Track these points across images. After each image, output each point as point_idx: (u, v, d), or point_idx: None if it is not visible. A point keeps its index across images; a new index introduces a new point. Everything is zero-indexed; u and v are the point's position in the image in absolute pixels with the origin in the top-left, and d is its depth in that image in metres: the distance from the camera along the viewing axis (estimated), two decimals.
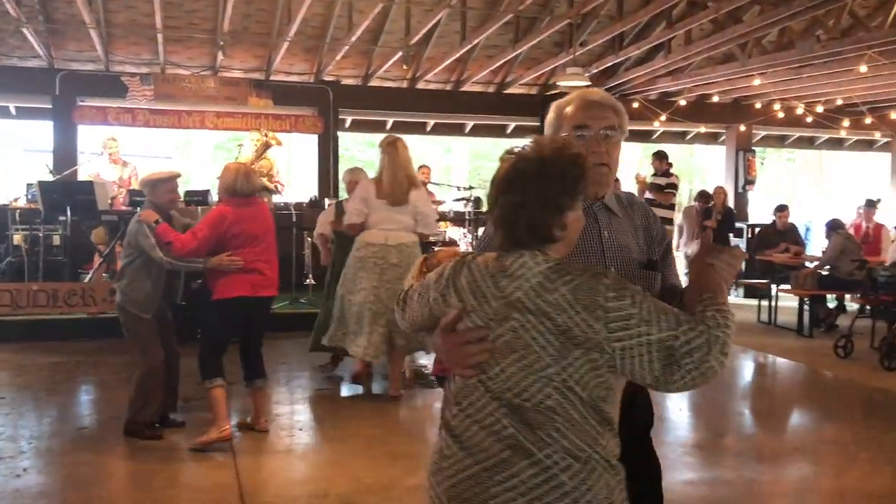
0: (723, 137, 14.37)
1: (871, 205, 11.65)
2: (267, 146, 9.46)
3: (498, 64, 11.13)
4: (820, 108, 12.80)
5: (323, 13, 9.89)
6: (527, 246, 1.79)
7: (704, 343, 1.67)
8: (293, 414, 5.85)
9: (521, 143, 1.92)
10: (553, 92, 11.19)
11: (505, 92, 12.37)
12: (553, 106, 2.26)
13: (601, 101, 2.21)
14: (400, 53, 9.90)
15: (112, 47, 10.45)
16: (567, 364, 1.71)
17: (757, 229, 13.03)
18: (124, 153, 10.08)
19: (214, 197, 9.10)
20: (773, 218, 11.09)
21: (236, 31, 9.86)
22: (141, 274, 4.97)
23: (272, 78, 11.16)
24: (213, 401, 4.83)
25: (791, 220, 11.20)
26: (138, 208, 6.52)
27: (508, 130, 13.87)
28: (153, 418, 5.06)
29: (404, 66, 10.40)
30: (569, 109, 2.20)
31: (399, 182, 5.86)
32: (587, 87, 10.53)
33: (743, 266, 2.10)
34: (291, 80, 11.35)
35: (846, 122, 13.25)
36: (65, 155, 10.43)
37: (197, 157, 23.00)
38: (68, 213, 8.41)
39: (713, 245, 2.02)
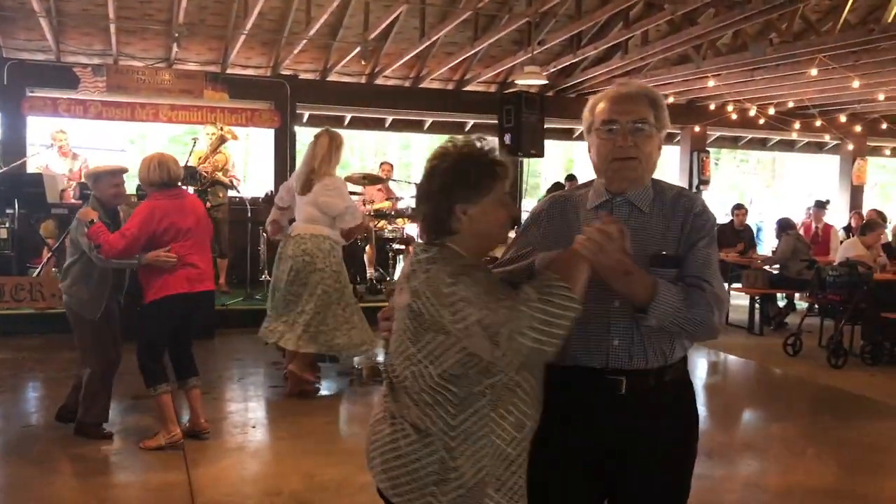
0: (678, 138, 14.56)
1: (820, 206, 11.91)
2: (222, 140, 9.32)
3: (457, 61, 11.13)
4: (772, 111, 13.05)
5: (281, 6, 9.79)
6: (434, 237, 2.00)
7: (508, 319, 1.78)
8: (246, 411, 5.78)
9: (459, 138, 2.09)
10: (511, 90, 11.23)
11: (464, 89, 12.37)
12: (588, 104, 2.22)
13: (633, 94, 2.17)
14: (358, 49, 9.84)
15: (63, 37, 10.22)
16: (422, 346, 1.92)
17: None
18: (75, 145, 9.87)
19: None
20: (731, 217, 11.26)
21: (192, 23, 9.70)
22: (84, 273, 4.78)
23: (228, 71, 11.01)
24: (160, 407, 4.72)
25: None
26: (85, 203, 6.40)
27: (467, 128, 13.87)
28: (100, 419, 4.94)
29: (363, 62, 10.35)
30: (600, 106, 2.17)
31: (300, 174, 5.92)
32: (545, 85, 10.63)
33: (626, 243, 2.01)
34: (248, 74, 11.21)
35: (797, 125, 13.53)
36: (13, 147, 10.16)
37: (151, 150, 22.58)
38: (16, 205, 8.21)
39: (594, 225, 1.96)
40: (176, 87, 10.76)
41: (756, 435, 5.72)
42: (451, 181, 1.96)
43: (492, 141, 2.08)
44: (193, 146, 9.33)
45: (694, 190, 13.85)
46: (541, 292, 1.81)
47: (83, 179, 8.87)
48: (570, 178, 12.79)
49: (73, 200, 8.58)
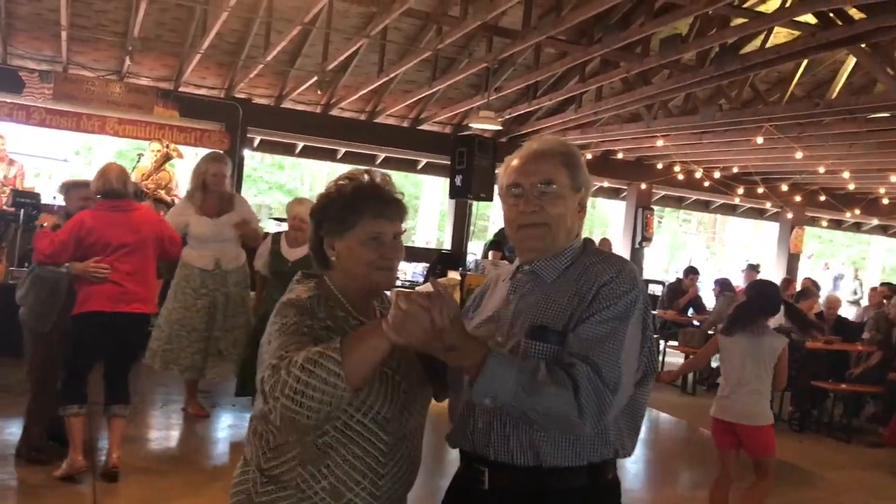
0: (624, 193, 14.79)
1: (752, 268, 12.18)
2: (167, 158, 9.15)
3: (414, 99, 11.15)
4: (717, 174, 13.36)
5: (240, 29, 9.69)
6: (320, 267, 2.01)
7: (267, 380, 1.69)
8: (166, 440, 5.57)
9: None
10: (465, 133, 11.28)
11: (419, 128, 12.39)
12: (504, 162, 2.06)
13: (543, 151, 1.98)
14: (315, 78, 9.78)
15: (12, 40, 9.94)
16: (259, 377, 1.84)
17: (651, 285, 13.42)
18: (13, 151, 9.56)
19: None
20: (681, 278, 11.41)
21: (147, 37, 9.53)
22: (36, 283, 4.59)
23: (181, 89, 10.83)
24: (69, 430, 4.45)
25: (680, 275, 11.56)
26: (22, 210, 6.16)
27: (419, 166, 13.89)
28: (39, 441, 4.68)
29: (319, 91, 10.28)
30: (511, 165, 2.01)
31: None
32: (499, 131, 10.71)
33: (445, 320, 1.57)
34: (201, 94, 11.05)
35: (740, 190, 13.87)
36: None
37: (97, 163, 22.10)
38: None
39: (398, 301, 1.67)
40: (126, 100, 10.54)
41: (683, 495, 5.71)
42: (320, 214, 1.96)
43: (379, 175, 1.97)
44: (137, 162, 9.14)
45: (636, 246, 14.08)
46: (307, 359, 1.64)
47: (21, 186, 8.59)
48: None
49: (4, 208, 8.27)
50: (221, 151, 6.73)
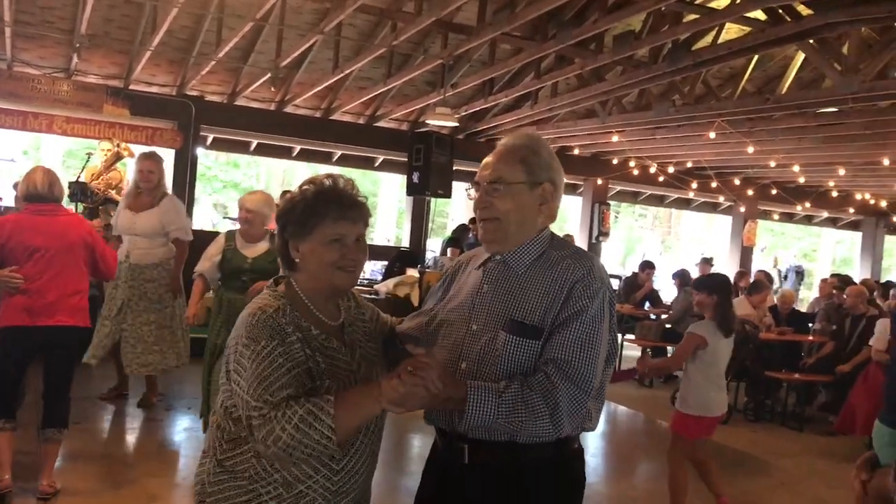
0: (581, 189, 14.89)
1: (706, 262, 12.36)
2: (118, 157, 8.96)
3: (369, 96, 11.09)
4: (671, 169, 13.51)
5: (191, 26, 9.53)
6: (286, 269, 2.08)
7: (258, 427, 1.79)
8: (122, 442, 5.45)
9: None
10: (422, 129, 11.25)
11: (375, 125, 12.33)
12: None
13: (505, 149, 2.14)
14: (269, 75, 9.67)
15: None
16: (223, 376, 1.97)
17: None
18: None
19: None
20: (637, 272, 11.51)
21: (95, 34, 9.33)
22: None
23: (131, 87, 10.62)
24: None
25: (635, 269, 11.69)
26: None
27: (377, 163, 13.82)
28: None
29: (272, 89, 10.17)
30: (484, 161, 2.17)
31: None
32: (456, 127, 10.71)
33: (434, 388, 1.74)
34: (152, 91, 10.84)
35: (694, 184, 14.06)
36: None
37: (46, 163, 21.61)
38: None
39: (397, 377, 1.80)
40: (74, 98, 10.29)
41: (641, 489, 5.76)
42: (284, 217, 2.03)
43: (342, 180, 2.05)
44: (87, 161, 8.94)
45: (593, 241, 14.19)
46: (302, 419, 1.76)
47: None
48: (474, 220, 12.87)
49: None
50: (154, 149, 6.74)
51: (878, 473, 1.70)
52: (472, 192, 2.15)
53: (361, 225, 2.03)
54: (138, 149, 10.27)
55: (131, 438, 5.83)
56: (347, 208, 2.00)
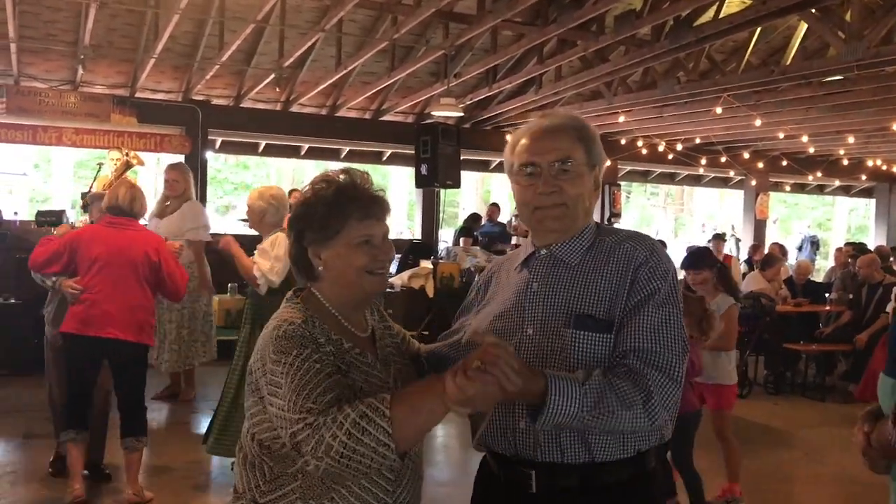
0: None
1: (718, 238, 12.32)
2: (128, 166, 8.96)
3: (374, 91, 11.11)
4: (680, 146, 13.47)
5: (193, 31, 9.58)
6: (305, 281, 1.86)
7: (306, 439, 1.56)
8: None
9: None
10: (428, 121, 11.26)
11: (381, 119, 12.35)
12: (509, 142, 1.93)
13: (556, 127, 1.87)
14: (273, 76, 9.71)
15: None
16: (249, 404, 1.75)
17: None
18: None
19: (72, 218, 8.58)
20: None
21: (99, 44, 9.39)
22: (65, 302, 4.43)
23: (137, 95, 10.70)
24: (67, 456, 4.32)
25: None
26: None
27: (384, 157, 13.85)
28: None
29: (277, 89, 10.21)
30: (520, 144, 1.87)
31: None
32: (461, 117, 10.70)
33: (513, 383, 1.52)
34: (158, 98, 10.92)
35: (704, 160, 14.00)
36: None
37: (58, 175, 21.80)
38: None
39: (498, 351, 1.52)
40: (81, 110, 10.38)
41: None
42: (301, 224, 1.81)
43: (358, 175, 1.83)
44: (98, 172, 8.98)
45: (605, 222, 14.17)
46: (355, 423, 1.52)
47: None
48: (494, 206, 12.89)
49: None
50: (181, 159, 7.00)
51: (881, 423, 1.71)
52: (521, 177, 1.86)
53: (385, 221, 1.83)
54: (147, 157, 10.37)
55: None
56: (370, 204, 1.80)
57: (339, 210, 1.76)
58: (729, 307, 4.82)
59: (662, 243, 11.56)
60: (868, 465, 1.77)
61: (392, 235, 1.93)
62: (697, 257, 5.10)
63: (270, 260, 4.62)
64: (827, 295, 9.60)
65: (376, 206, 1.81)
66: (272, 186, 5.27)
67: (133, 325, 4.26)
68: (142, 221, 6.04)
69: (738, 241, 12.38)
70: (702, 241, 16.66)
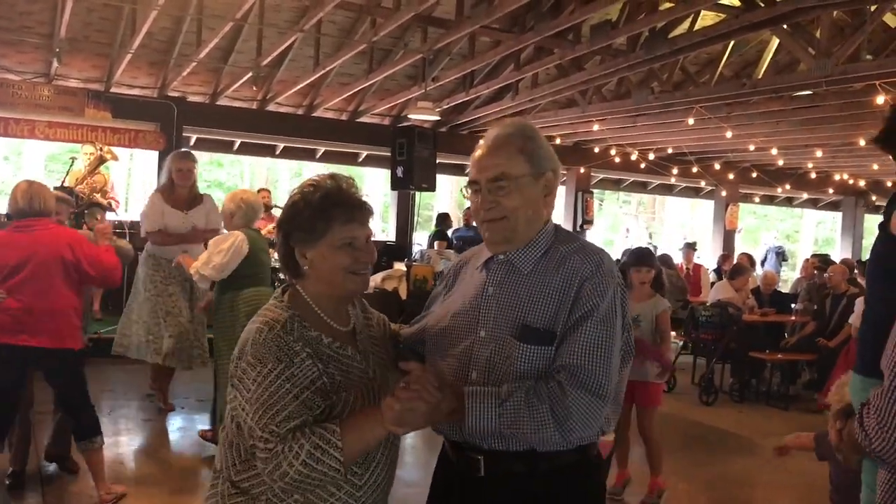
0: (564, 178, 14.97)
1: (689, 247, 12.48)
2: (101, 161, 8.94)
3: (351, 92, 11.13)
4: (652, 156, 13.64)
5: (170, 27, 9.54)
6: (291, 278, 1.98)
7: (265, 460, 1.72)
8: (116, 446, 5.51)
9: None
10: (405, 124, 11.31)
11: (357, 120, 12.36)
12: None
13: (497, 141, 1.95)
14: (250, 74, 9.70)
15: None
16: (230, 390, 1.87)
17: None
18: None
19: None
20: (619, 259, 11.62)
21: (75, 38, 9.32)
22: None
23: (112, 90, 10.62)
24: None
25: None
26: None
27: (360, 158, 13.86)
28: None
29: (254, 87, 10.19)
30: (473, 158, 1.98)
31: None
32: (438, 121, 10.74)
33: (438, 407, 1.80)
34: (133, 94, 10.85)
35: (675, 170, 14.18)
36: None
37: (28, 168, 21.51)
38: None
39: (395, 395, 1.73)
40: (55, 103, 10.29)
41: (630, 471, 5.85)
42: (288, 224, 1.93)
43: (344, 180, 1.94)
44: (71, 166, 8.93)
45: (577, 229, 14.30)
46: (310, 454, 1.69)
47: None
48: (469, 210, 12.86)
49: None
50: (155, 155, 6.76)
51: (851, 421, 1.80)
52: (468, 192, 1.99)
53: (367, 225, 1.95)
54: (121, 152, 10.30)
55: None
56: (356, 210, 1.91)
57: (325, 213, 1.87)
58: (664, 309, 5.02)
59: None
60: (842, 459, 1.86)
61: None
62: (647, 255, 5.27)
63: (210, 254, 4.85)
64: (793, 305, 9.77)
65: (360, 210, 1.92)
66: (246, 190, 5.48)
67: (50, 331, 4.08)
68: (175, 214, 5.99)
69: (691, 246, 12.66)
70: (672, 248, 16.86)
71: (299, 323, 1.85)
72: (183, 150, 6.58)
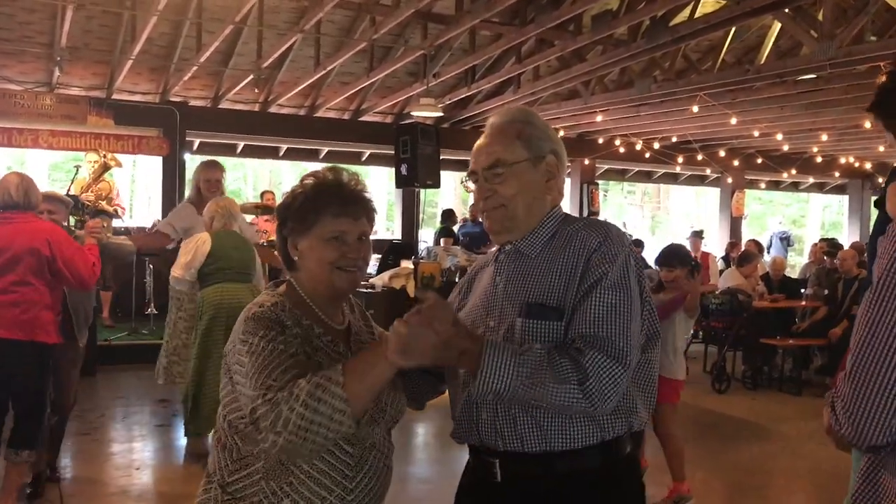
0: (568, 170, 14.91)
1: (697, 235, 12.44)
2: (105, 168, 8.97)
3: (353, 91, 11.12)
4: (657, 145, 13.59)
5: (170, 32, 9.54)
6: (287, 269, 1.93)
7: (265, 414, 1.61)
8: (130, 452, 5.52)
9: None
10: (407, 121, 11.29)
11: (360, 119, 12.35)
12: None
13: (494, 130, 1.92)
14: (251, 76, 9.70)
15: None
16: (223, 384, 1.82)
17: None
18: None
19: None
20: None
21: (75, 46, 9.33)
22: None
23: (114, 97, 10.63)
24: None
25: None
26: None
27: (364, 157, 13.85)
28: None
29: (255, 90, 10.19)
30: (475, 147, 1.95)
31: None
32: (440, 117, 10.73)
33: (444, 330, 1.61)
34: (135, 100, 10.85)
35: (680, 159, 14.13)
36: None
37: (33, 178, 21.52)
38: None
39: (420, 307, 1.60)
40: (58, 112, 10.30)
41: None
42: (283, 213, 1.90)
43: (344, 174, 1.90)
44: (75, 174, 8.96)
45: None
46: (311, 394, 1.59)
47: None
48: (450, 212, 12.76)
49: None
50: (159, 161, 6.63)
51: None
52: (470, 183, 1.94)
53: (365, 222, 1.87)
54: (125, 158, 10.31)
55: None
56: (349, 203, 1.85)
57: (316, 204, 1.83)
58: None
59: (638, 243, 11.60)
60: (835, 444, 1.84)
61: (371, 236, 1.97)
62: (669, 255, 5.10)
63: (178, 256, 5.14)
64: (802, 290, 9.73)
65: (354, 205, 1.86)
66: (226, 197, 5.58)
67: (20, 323, 3.94)
68: (106, 226, 5.77)
69: (699, 234, 12.55)
70: (680, 238, 16.80)
71: (291, 308, 1.81)
72: (210, 159, 6.26)
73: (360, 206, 1.87)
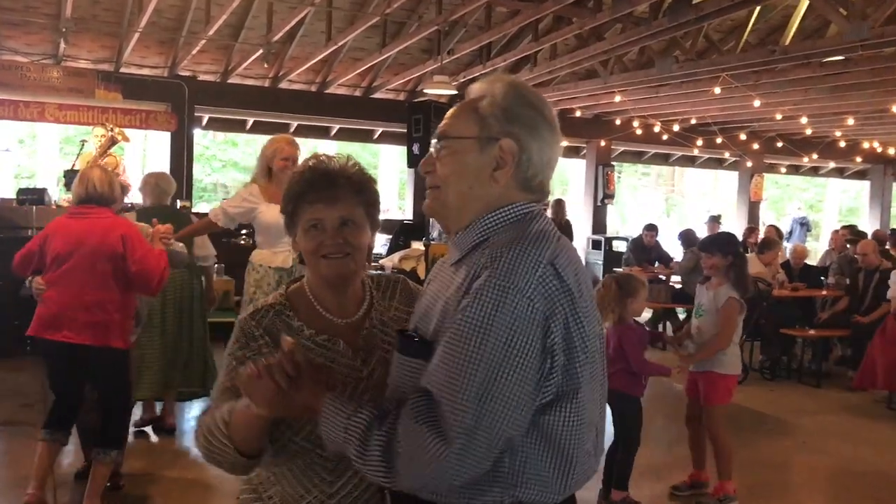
0: (584, 151, 14.69)
1: (714, 220, 12.19)
2: (113, 142, 8.75)
3: (365, 67, 10.90)
4: (676, 127, 13.31)
5: (179, 4, 9.33)
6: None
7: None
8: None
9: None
10: (420, 99, 11.05)
11: (372, 96, 12.13)
12: None
13: (461, 102, 1.65)
14: (261, 51, 9.48)
15: None
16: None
17: (614, 242, 13.45)
18: None
19: (54, 196, 8.37)
20: (641, 234, 11.35)
21: (82, 18, 9.14)
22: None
23: (122, 70, 10.44)
24: (36, 455, 3.96)
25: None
26: None
27: (375, 135, 13.65)
28: None
29: (266, 65, 9.98)
30: None
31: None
32: (454, 95, 10.50)
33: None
34: (143, 74, 10.66)
35: (699, 141, 13.86)
36: None
37: (43, 151, 21.44)
38: None
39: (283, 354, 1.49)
40: (65, 85, 10.12)
41: (661, 456, 5.66)
42: (282, 207, 1.85)
43: (328, 158, 1.80)
44: (81, 149, 8.77)
45: (598, 204, 14.00)
46: (208, 428, 1.67)
47: None
48: None
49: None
50: (167, 136, 6.27)
51: None
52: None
53: (343, 205, 1.73)
54: (133, 133, 10.13)
55: None
56: (323, 189, 1.74)
57: (295, 194, 1.79)
58: (727, 300, 4.62)
59: (651, 226, 11.27)
60: None
61: (381, 216, 1.88)
62: (710, 241, 5.05)
63: None
64: (823, 279, 9.48)
65: (330, 189, 1.75)
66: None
67: (92, 327, 3.79)
68: (274, 210, 5.15)
69: (716, 219, 12.33)
70: (695, 222, 16.57)
71: (278, 312, 1.79)
72: (285, 134, 5.54)
73: (336, 190, 1.75)
